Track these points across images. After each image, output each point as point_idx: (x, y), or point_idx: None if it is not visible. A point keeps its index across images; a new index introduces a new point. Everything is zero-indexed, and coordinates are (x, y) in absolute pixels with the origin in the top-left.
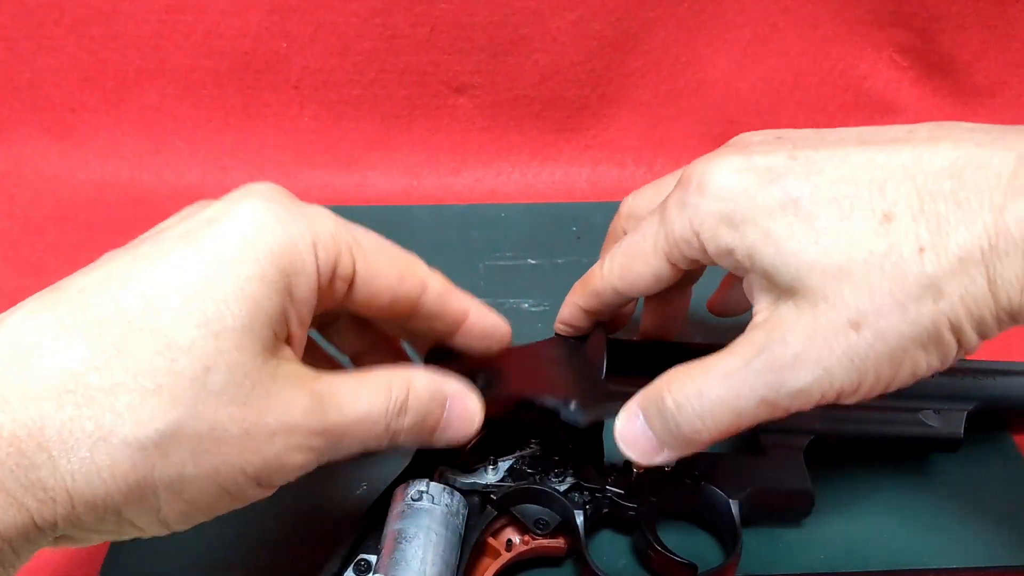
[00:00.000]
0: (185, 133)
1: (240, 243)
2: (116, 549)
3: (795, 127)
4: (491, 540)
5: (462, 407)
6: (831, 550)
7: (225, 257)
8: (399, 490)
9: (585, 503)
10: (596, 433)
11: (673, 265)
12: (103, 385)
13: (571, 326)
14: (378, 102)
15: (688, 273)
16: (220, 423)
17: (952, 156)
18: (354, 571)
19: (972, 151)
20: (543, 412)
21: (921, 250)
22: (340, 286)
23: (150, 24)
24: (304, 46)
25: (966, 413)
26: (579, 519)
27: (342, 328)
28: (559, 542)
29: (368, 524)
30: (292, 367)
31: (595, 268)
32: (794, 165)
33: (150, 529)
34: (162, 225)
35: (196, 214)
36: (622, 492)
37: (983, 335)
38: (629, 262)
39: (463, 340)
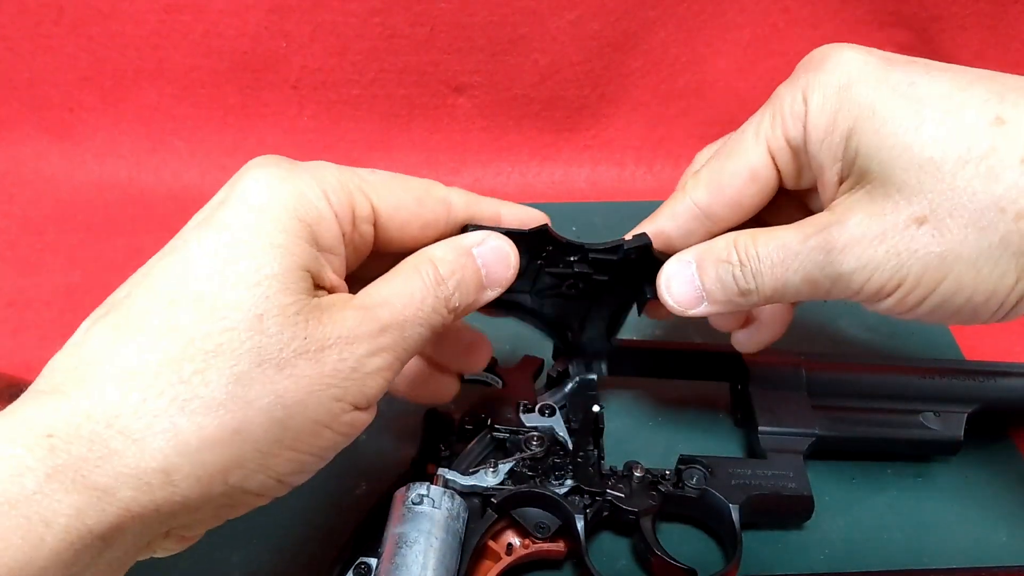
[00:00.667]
0: (184, 133)
1: (254, 209)
2: None
3: None
4: (491, 543)
5: (490, 249)
6: (832, 551)
7: (242, 221)
8: (399, 493)
9: (585, 507)
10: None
11: (772, 160)
12: (163, 361)
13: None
14: (377, 102)
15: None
16: (287, 360)
17: None
18: (354, 574)
19: None
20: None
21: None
22: (366, 228)
23: (149, 24)
24: (303, 46)
25: (966, 415)
26: (579, 523)
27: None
28: (559, 545)
29: (368, 527)
30: (331, 297)
31: (676, 191)
32: (917, 61)
33: (266, 490)
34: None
35: (212, 201)
36: (622, 496)
37: None
38: (722, 162)
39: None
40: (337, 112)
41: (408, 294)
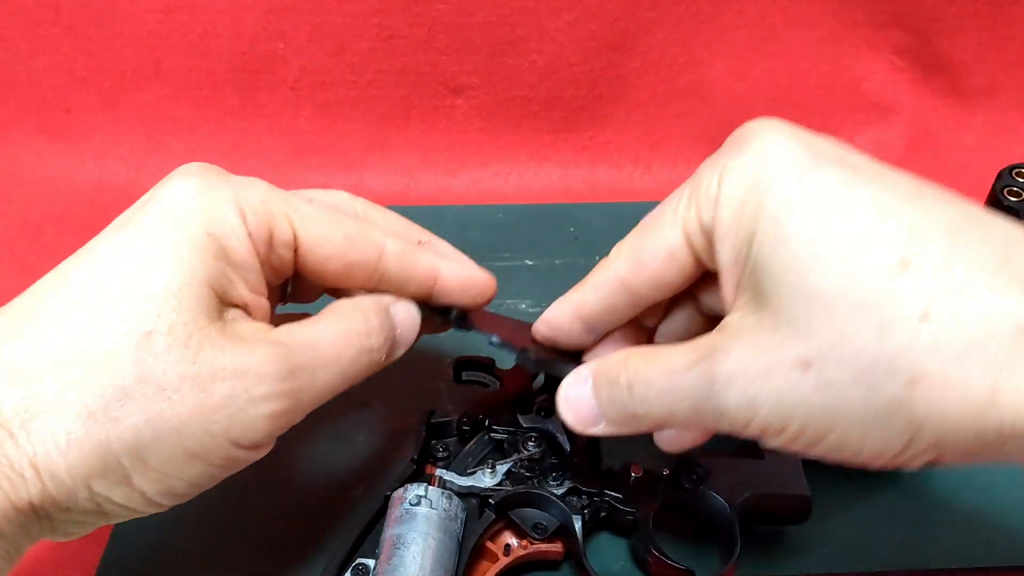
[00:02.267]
0: (182, 134)
1: (165, 216)
2: (111, 553)
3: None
4: (489, 544)
5: (403, 309)
6: (830, 551)
7: (153, 230)
8: (397, 494)
9: (583, 507)
10: (593, 440)
11: (688, 242)
12: (52, 361)
13: (552, 328)
14: (375, 103)
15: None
16: (170, 383)
17: (1006, 239)
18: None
19: (1023, 244)
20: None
21: (925, 316)
22: (284, 253)
23: (147, 25)
24: (301, 47)
25: None
26: (577, 523)
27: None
28: (557, 546)
29: (366, 528)
30: (246, 325)
31: (599, 264)
32: (846, 162)
33: (132, 504)
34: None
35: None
36: (620, 496)
37: (966, 454)
38: (643, 236)
39: (442, 298)
40: (335, 113)
41: (333, 338)
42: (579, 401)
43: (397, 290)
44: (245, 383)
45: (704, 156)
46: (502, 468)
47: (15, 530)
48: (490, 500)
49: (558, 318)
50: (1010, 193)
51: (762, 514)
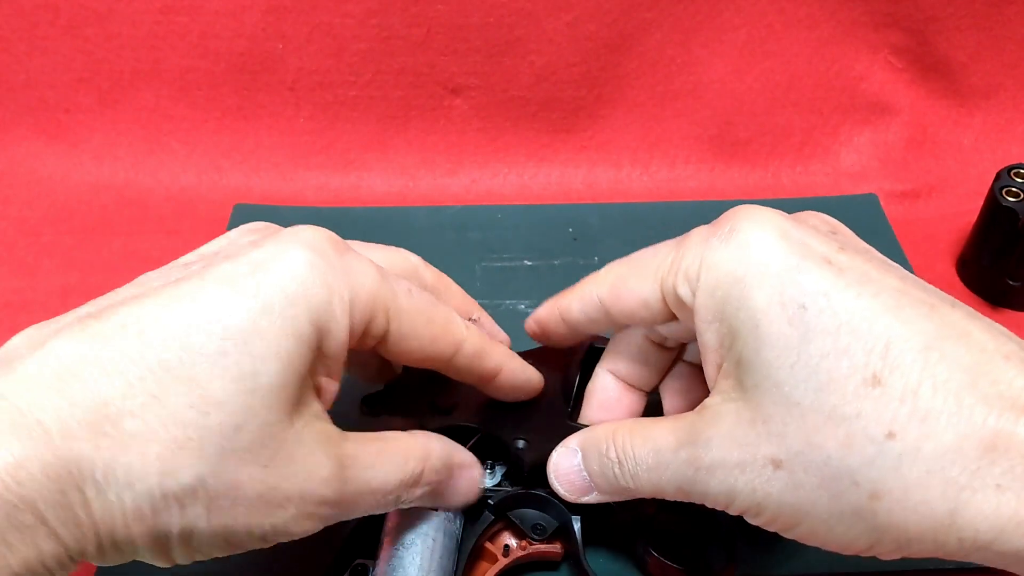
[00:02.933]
0: (181, 134)
1: (281, 297)
2: None
3: (790, 128)
4: (488, 545)
5: (468, 478)
6: (829, 551)
7: (267, 312)
8: None
9: (582, 508)
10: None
11: (664, 300)
12: (136, 431)
13: (541, 326)
14: (374, 103)
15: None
16: (240, 483)
17: (977, 356)
18: None
19: (997, 361)
20: (496, 442)
21: (891, 435)
22: (371, 342)
23: (145, 25)
24: (300, 47)
25: None
26: (576, 524)
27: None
28: (556, 547)
29: (365, 529)
30: (319, 427)
31: (588, 276)
32: (827, 267)
33: (157, 564)
34: (207, 249)
35: (242, 252)
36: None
37: (933, 555)
38: (626, 273)
39: (487, 391)
40: (334, 113)
41: (382, 484)
42: (570, 473)
43: (456, 376)
44: (299, 504)
45: (703, 156)
46: (501, 469)
47: (62, 572)
48: (489, 501)
49: (546, 317)
50: (1008, 193)
51: None
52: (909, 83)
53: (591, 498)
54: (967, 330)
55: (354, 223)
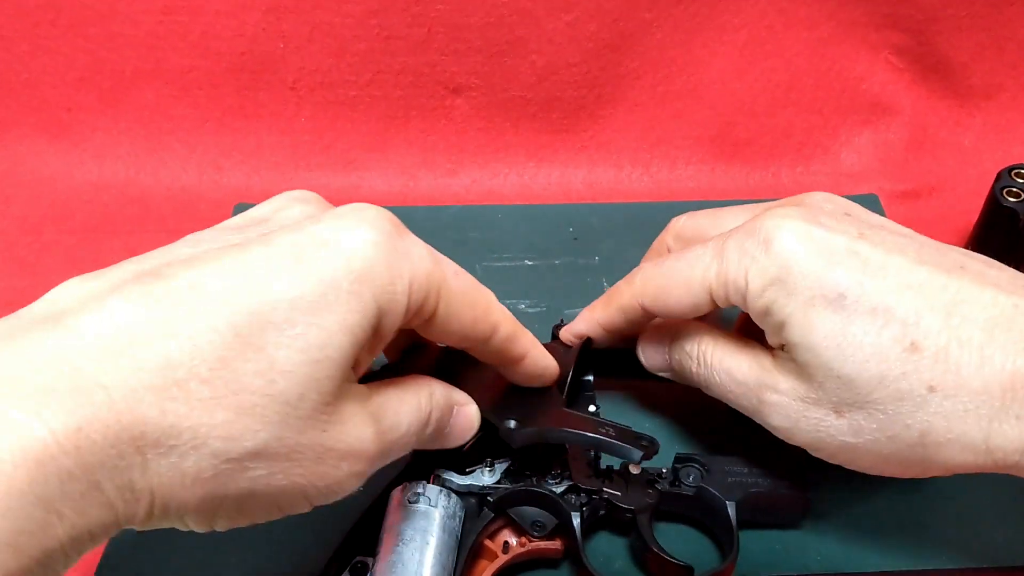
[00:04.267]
0: (181, 133)
1: (349, 275)
2: (111, 552)
3: (791, 129)
4: (488, 542)
5: (465, 415)
6: (829, 550)
7: (334, 286)
8: (396, 492)
9: (582, 505)
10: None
11: (713, 301)
12: (203, 396)
13: (579, 336)
14: (374, 103)
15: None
16: (300, 447)
17: (991, 311)
18: (350, 573)
19: (1008, 311)
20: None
21: (931, 388)
22: (416, 321)
23: (147, 24)
24: (300, 47)
25: None
26: (576, 521)
27: None
28: (556, 544)
29: (365, 526)
30: (356, 388)
31: (622, 285)
32: (854, 259)
33: (198, 528)
34: (257, 213)
35: (304, 225)
36: (619, 494)
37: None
38: (668, 284)
39: (508, 374)
40: (334, 113)
41: (406, 429)
42: (655, 353)
43: (479, 355)
44: (351, 462)
45: (703, 156)
46: (501, 466)
47: (104, 539)
48: (489, 498)
49: (586, 330)
50: (1009, 193)
51: (761, 512)
52: (910, 83)
53: (668, 374)
54: (981, 288)
55: None
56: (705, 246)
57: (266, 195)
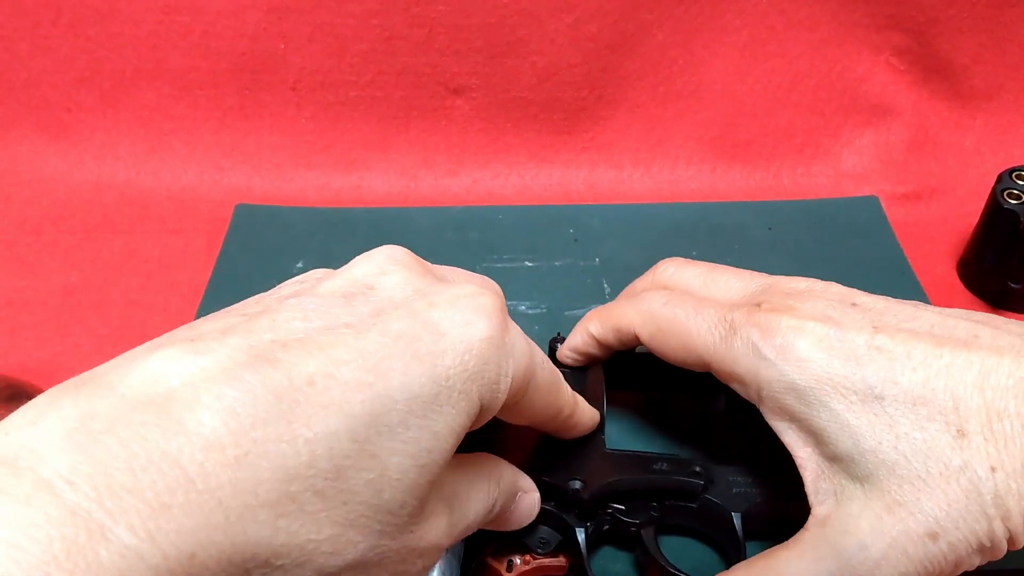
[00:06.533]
0: (182, 134)
1: (463, 374)
2: None
3: (792, 130)
4: (492, 560)
5: (528, 501)
6: None
7: (448, 386)
8: None
9: (587, 520)
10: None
11: (708, 370)
12: (315, 509)
13: (582, 355)
14: (375, 103)
15: None
16: (390, 553)
17: (1017, 375)
18: None
19: None
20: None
21: (993, 469)
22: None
23: (147, 24)
24: (301, 47)
25: None
26: (580, 536)
27: None
28: (560, 561)
29: None
30: (440, 491)
31: (622, 307)
32: (877, 354)
33: None
34: (358, 273)
35: (416, 307)
36: (623, 508)
37: None
38: (670, 330)
39: (557, 435)
40: (335, 113)
41: (475, 519)
42: None
43: (540, 428)
44: (426, 558)
45: (704, 157)
46: None
47: None
48: None
49: (584, 348)
50: (1010, 196)
51: (765, 523)
52: (911, 85)
53: None
54: (1000, 355)
55: (355, 223)
56: (718, 316)
57: (267, 195)
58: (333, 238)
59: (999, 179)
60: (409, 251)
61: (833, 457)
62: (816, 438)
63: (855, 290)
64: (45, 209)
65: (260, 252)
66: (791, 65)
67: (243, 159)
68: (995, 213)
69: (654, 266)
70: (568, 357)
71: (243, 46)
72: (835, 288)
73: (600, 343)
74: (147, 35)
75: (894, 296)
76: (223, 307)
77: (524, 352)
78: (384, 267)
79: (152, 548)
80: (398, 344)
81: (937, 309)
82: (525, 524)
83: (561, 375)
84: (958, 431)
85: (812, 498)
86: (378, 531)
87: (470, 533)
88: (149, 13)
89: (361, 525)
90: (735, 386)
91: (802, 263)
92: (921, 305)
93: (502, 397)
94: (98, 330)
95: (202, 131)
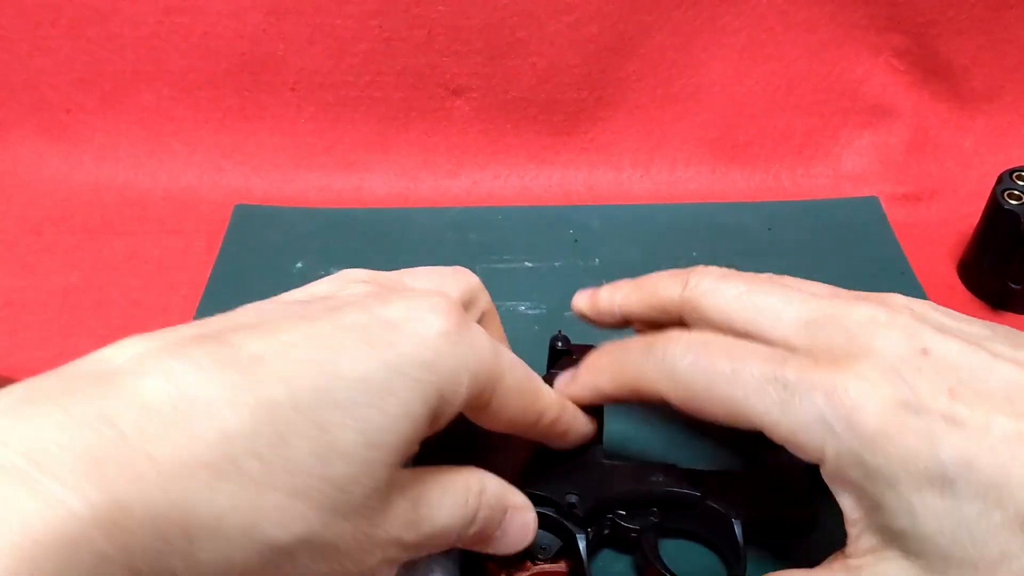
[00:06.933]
0: (182, 135)
1: (416, 363)
2: None
3: (791, 131)
4: (492, 566)
5: (521, 521)
6: None
7: (401, 373)
8: None
9: (587, 527)
10: None
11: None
12: (259, 477)
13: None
14: (375, 104)
15: None
16: (345, 534)
17: None
18: None
19: None
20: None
21: None
22: (468, 409)
23: (147, 25)
24: (301, 48)
25: None
26: (581, 542)
27: None
28: (561, 566)
29: None
30: (401, 474)
31: (639, 362)
32: (955, 430)
33: None
34: (316, 290)
35: (369, 304)
36: (624, 513)
37: None
38: (709, 396)
39: (548, 444)
40: (335, 114)
41: (447, 523)
42: None
43: (526, 437)
44: (388, 547)
45: (703, 159)
46: None
47: None
48: None
49: (591, 400)
50: (1010, 196)
51: (766, 527)
52: (910, 86)
53: None
54: None
55: (355, 224)
56: (765, 377)
57: (266, 196)
58: (333, 239)
59: (999, 180)
60: (373, 272)
61: (886, 528)
62: (874, 508)
63: (921, 319)
64: (45, 210)
65: (260, 253)
66: (790, 66)
67: (243, 160)
68: (995, 214)
69: (684, 273)
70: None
71: (243, 47)
72: (902, 319)
73: (613, 399)
74: (147, 36)
75: None
76: (222, 308)
77: (487, 350)
78: (344, 284)
79: (81, 500)
80: (350, 333)
81: (1009, 352)
82: (522, 545)
83: (540, 379)
84: (1016, 514)
85: (851, 546)
86: (329, 507)
87: (447, 541)
88: (149, 14)
89: (310, 498)
90: (790, 448)
91: (802, 264)
92: (988, 341)
93: (463, 392)
94: (98, 330)
95: (202, 132)
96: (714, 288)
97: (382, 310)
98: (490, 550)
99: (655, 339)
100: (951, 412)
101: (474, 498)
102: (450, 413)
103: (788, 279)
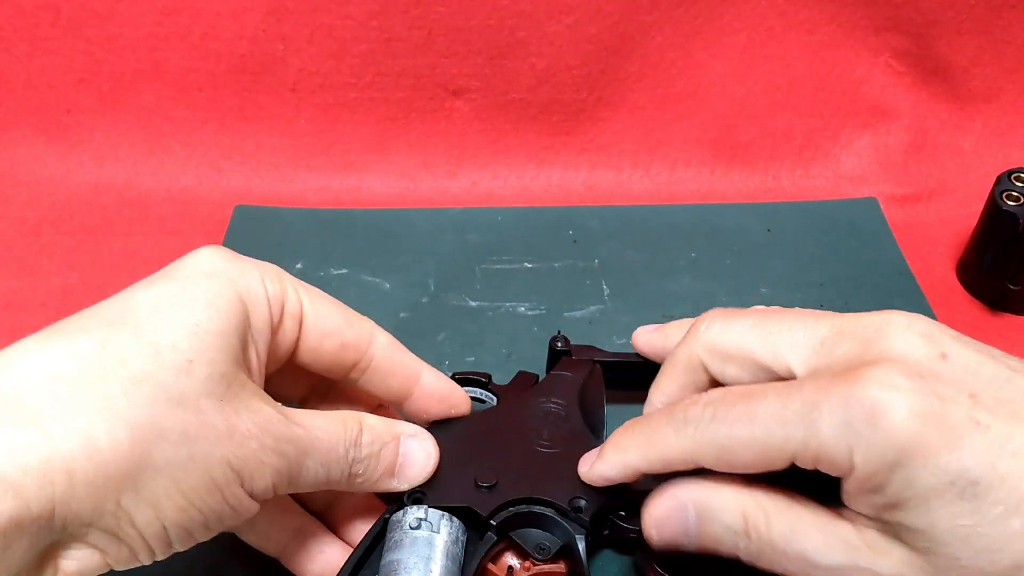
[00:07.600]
0: (181, 135)
1: (201, 272)
2: None
3: (791, 132)
4: (491, 566)
5: (418, 447)
6: None
7: (190, 279)
8: (396, 517)
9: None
10: None
11: (783, 455)
12: (90, 372)
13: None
14: (375, 105)
15: None
16: (205, 411)
17: None
18: None
19: None
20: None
21: None
22: (291, 325)
23: (147, 26)
24: (301, 48)
25: None
26: (580, 543)
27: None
28: (560, 567)
29: (364, 552)
30: (256, 387)
31: (666, 436)
32: (978, 433)
33: (148, 527)
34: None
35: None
36: (623, 513)
37: None
38: (735, 448)
39: (419, 402)
40: (334, 115)
41: (325, 434)
42: (675, 525)
43: (381, 383)
44: (259, 431)
45: (703, 159)
46: None
47: (30, 541)
48: (492, 521)
49: (618, 477)
50: (1008, 197)
51: None
52: (909, 87)
53: (691, 548)
54: None
55: (354, 225)
56: (783, 403)
57: (266, 197)
58: (332, 239)
59: (998, 181)
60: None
61: (899, 524)
62: (892, 506)
63: (935, 328)
64: (44, 210)
65: (259, 253)
66: (790, 67)
67: (242, 160)
68: (994, 215)
69: (692, 324)
70: (588, 477)
71: (242, 48)
72: (919, 324)
73: (645, 474)
74: (146, 36)
75: (894, 298)
76: None
77: (267, 263)
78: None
79: None
80: (144, 281)
81: (1022, 366)
82: (428, 470)
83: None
84: None
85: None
86: (175, 387)
87: (332, 460)
88: (148, 15)
89: (152, 381)
90: (822, 467)
91: (801, 265)
92: (1000, 356)
93: (257, 288)
94: None
95: (201, 132)
96: (724, 327)
97: (170, 265)
98: (404, 482)
99: (674, 406)
100: (974, 416)
101: (353, 422)
102: (261, 313)
103: (793, 309)
